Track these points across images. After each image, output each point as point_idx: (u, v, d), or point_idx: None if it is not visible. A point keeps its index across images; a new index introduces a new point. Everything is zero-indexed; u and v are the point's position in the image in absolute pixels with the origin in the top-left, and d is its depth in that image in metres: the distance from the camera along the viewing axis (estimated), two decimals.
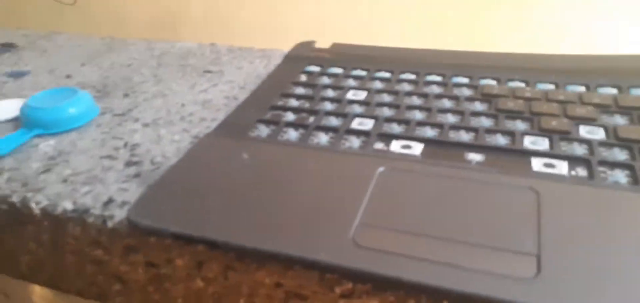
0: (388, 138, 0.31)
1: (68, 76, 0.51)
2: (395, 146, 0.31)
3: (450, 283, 0.21)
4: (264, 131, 0.34)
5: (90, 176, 0.35)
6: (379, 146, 0.31)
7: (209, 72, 0.50)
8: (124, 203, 0.31)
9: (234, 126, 0.35)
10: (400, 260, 0.22)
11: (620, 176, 0.26)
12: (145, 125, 0.41)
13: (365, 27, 0.64)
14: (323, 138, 0.32)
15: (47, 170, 0.36)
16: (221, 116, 0.41)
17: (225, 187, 0.28)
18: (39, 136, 0.40)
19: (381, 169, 0.28)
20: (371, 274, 0.22)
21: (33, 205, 0.33)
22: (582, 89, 0.34)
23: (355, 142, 0.32)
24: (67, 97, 0.41)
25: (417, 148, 0.30)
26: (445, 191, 0.26)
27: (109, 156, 0.37)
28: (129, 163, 0.36)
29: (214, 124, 0.40)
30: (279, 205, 0.26)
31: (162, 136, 0.39)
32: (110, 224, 0.30)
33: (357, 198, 0.26)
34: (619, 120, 0.30)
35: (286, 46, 0.53)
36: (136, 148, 0.38)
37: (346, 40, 0.46)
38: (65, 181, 0.35)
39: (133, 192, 0.32)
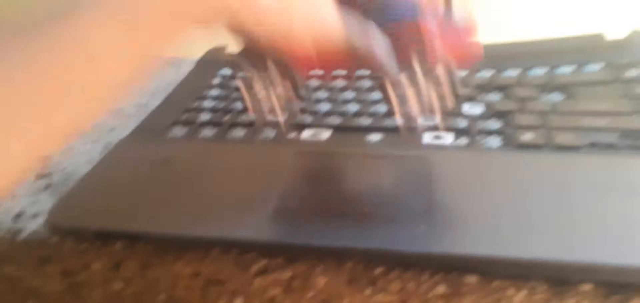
0: (299, 127, 0.34)
1: None
2: (306, 134, 0.33)
3: (354, 243, 0.24)
4: (180, 132, 0.35)
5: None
6: (292, 135, 0.34)
7: None
8: (35, 215, 0.31)
9: (149, 130, 0.36)
10: (311, 228, 0.25)
11: (494, 141, 0.30)
12: None
13: None
14: (239, 132, 0.34)
15: None
16: (132, 124, 0.41)
17: (144, 185, 0.29)
18: None
19: (294, 154, 0.30)
20: (287, 245, 0.25)
21: None
22: (464, 72, 0.39)
23: (269, 133, 0.34)
24: None
25: (325, 134, 0.33)
26: (350, 167, 0.29)
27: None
28: (39, 176, 0.35)
29: (125, 132, 0.40)
30: (198, 194, 0.28)
31: (72, 147, 0.39)
32: (22, 236, 0.30)
33: (272, 181, 0.28)
34: (494, 97, 0.35)
35: (197, 54, 0.54)
36: (46, 160, 0.37)
37: None
38: None
39: (44, 203, 0.32)
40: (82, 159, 0.37)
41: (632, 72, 0.35)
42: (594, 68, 0.37)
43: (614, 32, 0.40)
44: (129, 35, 0.19)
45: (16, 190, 0.34)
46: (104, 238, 0.28)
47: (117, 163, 0.32)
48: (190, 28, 0.21)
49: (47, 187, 0.34)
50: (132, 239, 0.28)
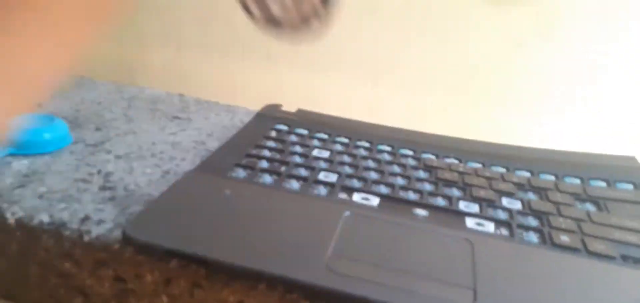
0: (350, 190, 0.37)
1: (39, 105, 0.52)
2: (357, 197, 0.36)
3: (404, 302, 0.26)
4: (241, 173, 0.38)
5: (66, 195, 0.37)
6: (343, 196, 0.36)
7: (177, 118, 0.53)
8: (100, 221, 0.34)
9: (214, 166, 0.39)
10: (365, 283, 0.27)
11: (533, 236, 0.33)
12: (118, 157, 0.43)
13: (318, 100, 0.71)
14: (294, 184, 0.37)
15: (21, 186, 0.38)
16: (190, 157, 0.44)
17: (211, 215, 0.32)
18: (11, 155, 0.41)
19: (347, 213, 0.33)
20: (343, 294, 0.27)
21: (8, 215, 0.34)
22: (504, 170, 0.42)
23: (322, 190, 0.37)
24: (43, 123, 0.43)
25: (374, 201, 0.36)
26: (399, 235, 0.32)
27: (84, 180, 0.39)
28: (103, 188, 0.38)
29: (183, 163, 0.43)
30: (254, 231, 0.31)
31: (134, 168, 0.42)
32: (86, 238, 0.33)
33: (328, 234, 0.31)
34: (532, 196, 0.38)
35: (245, 105, 0.58)
36: (110, 176, 0.40)
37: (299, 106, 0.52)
38: (41, 197, 0.36)
39: (109, 213, 0.35)
40: (143, 180, 0.40)
41: None
42: (627, 187, 0.40)
43: None
44: (50, 34, 0.19)
45: (82, 196, 0.37)
46: (169, 255, 0.30)
47: (185, 191, 0.34)
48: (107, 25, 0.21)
49: (111, 199, 0.37)
50: (188, 260, 0.30)
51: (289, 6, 0.26)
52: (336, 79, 0.70)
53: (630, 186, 0.40)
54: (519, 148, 0.46)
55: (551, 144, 0.58)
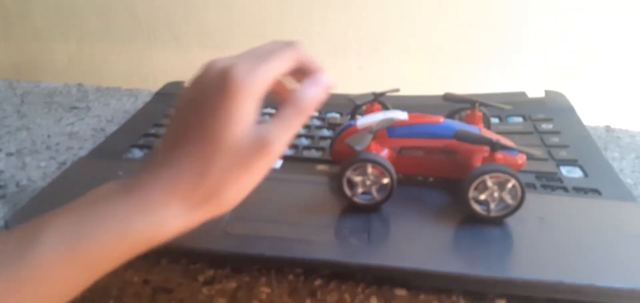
0: None
1: None
2: None
3: (302, 254, 0.26)
4: (137, 154, 0.37)
5: None
6: None
7: (75, 108, 0.51)
8: None
9: (107, 151, 0.37)
10: (262, 241, 0.27)
11: None
12: (9, 154, 0.41)
13: None
14: None
15: None
16: (89, 145, 0.42)
17: None
18: None
19: None
20: (240, 254, 0.27)
21: None
22: None
23: None
24: None
25: (277, 163, 0.36)
26: (299, 191, 0.32)
27: None
28: None
29: (81, 152, 0.41)
30: None
31: (27, 163, 0.40)
32: None
33: None
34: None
35: (154, 88, 0.56)
36: (0, 174, 0.38)
37: None
38: None
39: None
40: (37, 174, 0.38)
41: (546, 125, 0.40)
42: (517, 120, 0.42)
43: (534, 91, 0.46)
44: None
45: None
46: None
47: (75, 177, 0.33)
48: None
49: (2, 197, 0.35)
50: None
51: None
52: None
53: (520, 119, 0.42)
54: (429, 97, 0.47)
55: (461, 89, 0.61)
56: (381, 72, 0.67)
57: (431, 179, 0.33)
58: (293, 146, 0.38)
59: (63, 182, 0.33)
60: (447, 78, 0.65)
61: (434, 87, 0.62)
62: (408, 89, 0.53)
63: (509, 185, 0.28)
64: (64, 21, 0.71)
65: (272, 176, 0.34)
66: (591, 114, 0.45)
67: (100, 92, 0.55)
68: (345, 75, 0.68)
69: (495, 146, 0.29)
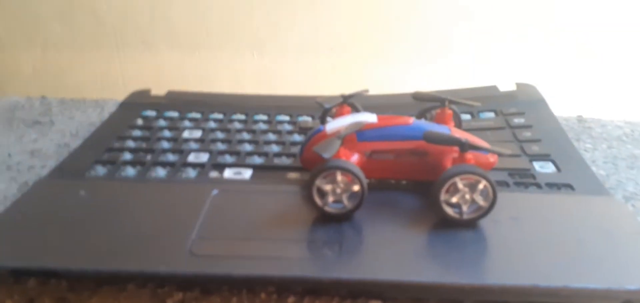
0: (221, 167, 0.36)
1: None
2: (228, 173, 0.35)
3: (273, 271, 0.25)
4: (101, 171, 0.35)
5: None
6: (214, 174, 0.35)
7: (38, 123, 0.49)
8: None
9: (70, 169, 0.36)
10: (229, 261, 0.26)
11: None
12: None
13: (198, 77, 0.68)
14: (160, 172, 0.35)
15: None
16: (52, 163, 0.41)
17: (63, 223, 0.29)
18: None
19: (215, 192, 0.32)
20: (206, 276, 0.26)
21: None
22: None
23: (191, 173, 0.35)
24: None
25: (247, 174, 0.35)
26: (269, 203, 0.31)
27: None
28: None
29: (44, 171, 0.40)
30: (117, 231, 0.28)
31: None
32: None
33: (192, 217, 0.29)
34: None
35: (122, 97, 0.55)
36: None
37: (183, 89, 0.49)
38: None
39: None
40: None
41: (518, 120, 0.40)
42: (489, 115, 0.41)
43: (504, 84, 0.45)
44: None
45: None
46: (19, 275, 0.27)
47: (35, 201, 0.31)
48: None
49: None
50: (47, 276, 0.28)
51: None
52: (220, 56, 0.67)
53: (491, 115, 0.42)
54: (399, 96, 0.46)
55: (434, 85, 0.61)
56: (354, 70, 0.66)
57: (404, 182, 0.33)
58: (263, 154, 0.37)
59: (22, 206, 0.31)
60: (420, 75, 0.65)
61: (407, 85, 0.62)
62: (381, 88, 0.52)
63: (480, 186, 0.27)
64: (28, 29, 0.69)
65: (241, 188, 0.33)
66: (563, 106, 0.45)
67: (64, 105, 0.53)
68: (318, 74, 0.67)
69: (464, 147, 0.28)
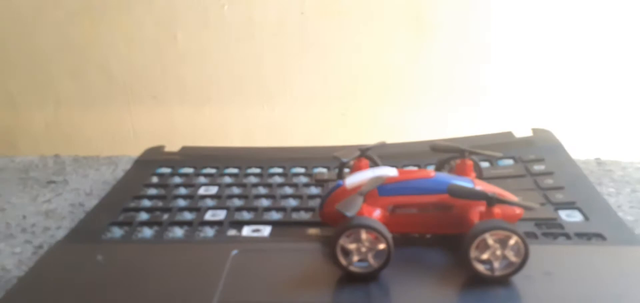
0: (239, 224, 0.35)
1: None
2: (247, 230, 0.34)
3: None
4: (117, 232, 0.35)
5: None
6: (232, 232, 0.34)
7: (52, 182, 0.49)
8: None
9: (86, 231, 0.35)
10: None
11: None
12: None
13: (210, 131, 0.68)
14: (178, 232, 0.34)
15: None
16: (66, 224, 0.40)
17: (80, 291, 0.28)
18: None
19: (235, 252, 0.31)
20: None
21: None
22: None
23: (209, 232, 0.34)
24: None
25: (265, 231, 0.34)
26: (290, 263, 0.30)
27: None
28: None
29: (59, 232, 0.39)
30: (136, 299, 0.28)
31: (1, 249, 0.37)
32: None
33: (213, 281, 0.28)
34: None
35: (134, 153, 0.55)
36: None
37: (194, 144, 0.49)
38: None
39: None
40: (11, 262, 0.35)
41: (538, 167, 0.40)
42: (508, 163, 0.41)
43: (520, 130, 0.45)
44: None
45: None
46: None
47: (51, 268, 0.31)
48: None
49: None
50: None
51: None
52: (229, 110, 0.68)
53: (510, 162, 0.41)
54: (416, 143, 0.46)
55: (448, 130, 0.60)
56: (365, 117, 0.66)
57: (428, 236, 0.32)
58: (281, 209, 0.37)
59: (39, 273, 0.30)
60: (433, 120, 0.64)
61: (419, 131, 0.62)
62: (393, 134, 0.52)
63: (511, 242, 0.27)
64: (40, 86, 0.69)
65: (261, 247, 0.32)
66: (579, 148, 0.45)
67: (77, 163, 0.53)
68: (330, 122, 0.67)
69: (491, 201, 0.28)
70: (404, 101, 0.65)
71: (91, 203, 0.43)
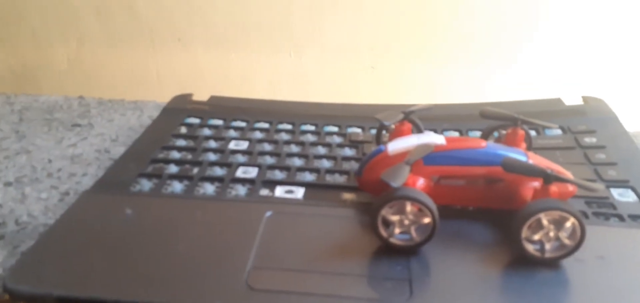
0: (272, 184, 0.34)
1: None
2: (280, 191, 0.33)
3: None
4: (146, 185, 0.34)
5: None
6: (265, 192, 0.33)
7: (77, 125, 0.47)
8: None
9: (114, 181, 0.34)
10: (288, 297, 0.24)
11: None
12: (7, 184, 0.38)
13: (234, 77, 0.66)
14: (209, 188, 0.33)
15: None
16: (92, 171, 0.39)
17: (110, 245, 0.28)
18: None
19: (268, 213, 0.30)
20: None
21: None
22: None
23: (241, 190, 0.33)
24: None
25: (299, 192, 0.33)
26: (326, 229, 0.29)
27: None
28: None
29: (84, 179, 0.38)
30: (168, 257, 0.27)
31: (27, 194, 0.37)
32: None
33: (247, 243, 0.27)
34: None
35: (159, 98, 0.53)
36: None
37: (221, 93, 0.47)
38: None
39: None
40: (37, 208, 0.35)
41: (590, 139, 0.37)
42: (555, 133, 0.38)
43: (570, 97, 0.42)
44: None
45: None
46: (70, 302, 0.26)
47: (80, 219, 0.30)
48: None
49: (0, 238, 0.32)
50: None
51: None
52: (256, 57, 0.65)
53: (559, 132, 0.39)
54: (440, 106, 0.43)
55: (469, 96, 0.57)
56: (395, 72, 0.64)
57: (470, 208, 0.30)
58: (314, 170, 0.35)
59: (67, 225, 0.30)
60: (468, 80, 0.61)
61: (453, 91, 0.59)
62: (426, 92, 0.49)
63: (567, 224, 0.25)
64: (63, 22, 0.68)
65: (296, 210, 0.31)
66: (635, 120, 0.42)
67: (102, 106, 0.52)
68: (358, 74, 0.65)
69: (549, 178, 0.26)
70: (439, 58, 0.62)
71: (117, 150, 0.42)
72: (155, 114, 0.46)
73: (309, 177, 0.35)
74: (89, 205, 0.31)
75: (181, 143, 0.39)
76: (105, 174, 0.35)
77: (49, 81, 0.68)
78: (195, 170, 0.35)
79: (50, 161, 0.41)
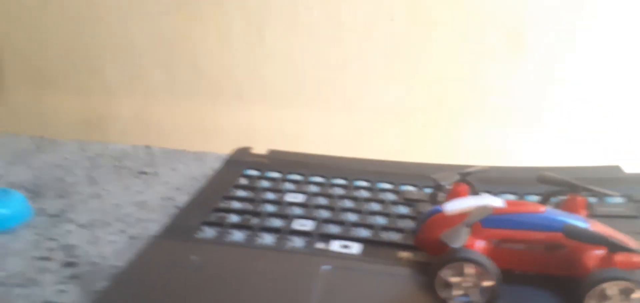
0: (327, 237, 0.34)
1: None
2: (335, 245, 0.34)
3: None
4: (209, 232, 0.35)
5: (25, 279, 0.34)
6: (320, 245, 0.34)
7: (144, 173, 0.50)
8: None
9: (180, 228, 0.36)
10: None
11: None
12: (81, 226, 0.41)
13: (292, 134, 0.68)
14: (268, 238, 0.34)
15: None
16: (158, 217, 0.42)
17: (178, 288, 0.29)
18: None
19: (325, 267, 0.31)
20: None
21: None
22: None
23: (298, 242, 0.34)
24: None
25: (354, 247, 0.33)
26: (383, 287, 0.29)
27: (44, 258, 0.36)
28: (66, 264, 0.35)
29: (151, 225, 0.40)
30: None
31: (98, 237, 0.39)
32: None
33: (304, 295, 0.28)
34: None
35: (218, 150, 0.56)
36: (73, 249, 0.37)
37: (277, 147, 0.50)
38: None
39: (72, 293, 0.32)
40: (108, 249, 0.37)
41: None
42: (616, 201, 0.38)
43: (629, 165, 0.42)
44: None
45: (42, 277, 0.34)
46: None
47: (150, 263, 0.32)
48: None
49: (75, 277, 0.34)
50: None
51: None
52: (311, 114, 0.68)
53: (620, 200, 0.38)
54: (497, 169, 0.43)
55: (522, 157, 0.57)
56: (447, 132, 0.64)
57: (530, 274, 0.30)
58: (369, 227, 0.36)
59: (138, 265, 0.31)
60: (519, 143, 0.61)
61: (503, 153, 0.59)
62: (476, 155, 0.49)
63: (634, 296, 0.24)
64: (132, 76, 0.73)
65: (352, 265, 0.32)
66: None
67: (167, 156, 0.55)
68: (409, 132, 0.66)
69: (614, 247, 0.26)
70: (491, 120, 0.62)
71: (181, 198, 0.45)
72: (216, 164, 0.48)
73: (363, 233, 0.35)
74: (157, 250, 0.33)
75: (241, 193, 0.41)
76: (171, 222, 0.37)
77: (117, 130, 0.73)
78: (255, 220, 0.37)
79: (118, 205, 0.44)
